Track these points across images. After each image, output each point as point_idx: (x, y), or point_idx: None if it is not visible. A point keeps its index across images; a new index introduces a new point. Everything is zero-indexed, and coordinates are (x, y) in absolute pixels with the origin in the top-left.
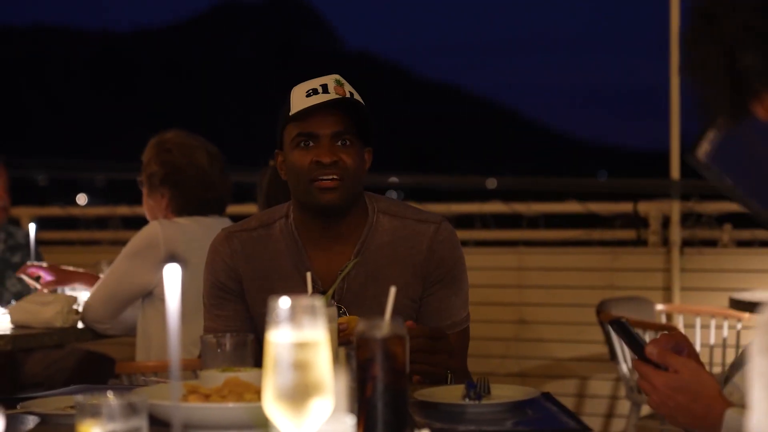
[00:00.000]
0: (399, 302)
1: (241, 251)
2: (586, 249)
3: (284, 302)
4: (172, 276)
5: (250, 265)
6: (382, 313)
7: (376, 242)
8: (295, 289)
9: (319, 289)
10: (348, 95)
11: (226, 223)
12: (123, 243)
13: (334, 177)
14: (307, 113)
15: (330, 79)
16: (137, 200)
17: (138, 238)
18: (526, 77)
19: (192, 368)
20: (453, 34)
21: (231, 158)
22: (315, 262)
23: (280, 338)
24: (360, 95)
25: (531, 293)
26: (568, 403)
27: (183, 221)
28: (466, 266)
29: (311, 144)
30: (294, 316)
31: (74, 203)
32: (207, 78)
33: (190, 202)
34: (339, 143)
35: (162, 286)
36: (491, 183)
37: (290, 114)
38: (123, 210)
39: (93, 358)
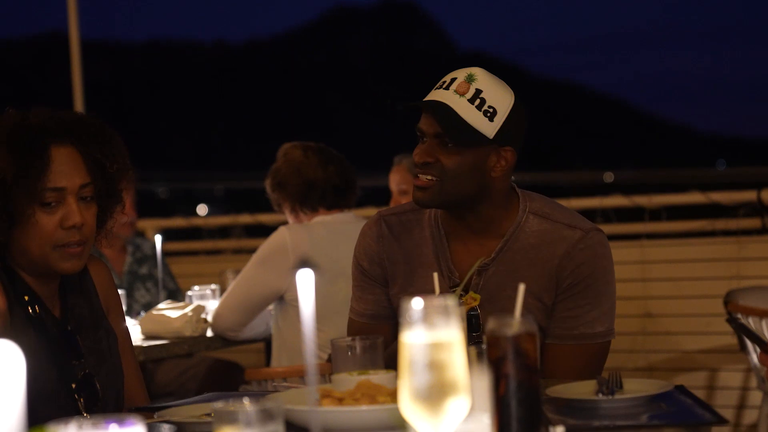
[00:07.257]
0: (529, 302)
1: (389, 234)
2: (710, 239)
3: (417, 303)
4: (305, 281)
5: (396, 248)
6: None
7: (520, 242)
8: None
9: (455, 280)
10: (471, 93)
11: (350, 219)
12: (246, 251)
13: (428, 177)
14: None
15: (463, 74)
16: (258, 208)
17: (267, 245)
18: (639, 69)
19: (322, 372)
20: (565, 29)
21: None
22: (454, 254)
23: (414, 339)
24: (501, 91)
25: (656, 286)
26: (698, 395)
27: (310, 224)
28: (611, 281)
29: (423, 140)
30: (427, 316)
31: (195, 214)
32: (322, 85)
33: (293, 196)
34: (440, 143)
35: (292, 291)
36: (608, 177)
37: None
38: (245, 218)
39: (222, 365)
